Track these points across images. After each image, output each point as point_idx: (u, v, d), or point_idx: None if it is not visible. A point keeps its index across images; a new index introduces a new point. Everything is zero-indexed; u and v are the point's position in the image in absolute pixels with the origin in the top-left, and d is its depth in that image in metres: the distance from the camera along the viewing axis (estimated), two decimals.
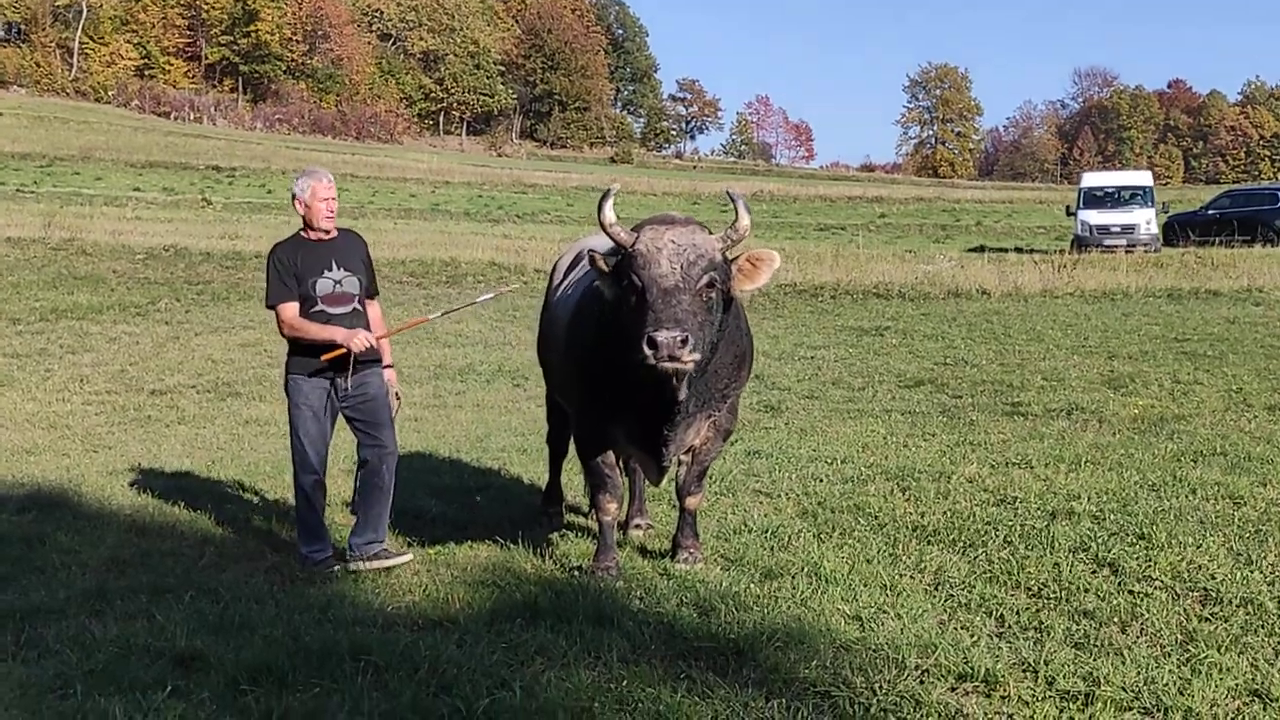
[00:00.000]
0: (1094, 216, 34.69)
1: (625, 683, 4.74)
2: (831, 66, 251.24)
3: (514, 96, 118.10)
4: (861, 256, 29.17)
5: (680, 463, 6.63)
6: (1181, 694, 4.59)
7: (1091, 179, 38.47)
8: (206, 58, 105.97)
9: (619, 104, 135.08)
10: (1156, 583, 6.00)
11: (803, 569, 6.29)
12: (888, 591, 5.94)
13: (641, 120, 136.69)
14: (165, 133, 73.40)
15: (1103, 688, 4.64)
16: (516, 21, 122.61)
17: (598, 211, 5.93)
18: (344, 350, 6.67)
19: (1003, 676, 4.77)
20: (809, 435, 10.70)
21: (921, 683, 4.75)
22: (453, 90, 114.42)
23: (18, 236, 27.76)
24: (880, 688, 4.68)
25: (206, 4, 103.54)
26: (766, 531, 7.18)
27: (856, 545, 6.84)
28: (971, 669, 4.84)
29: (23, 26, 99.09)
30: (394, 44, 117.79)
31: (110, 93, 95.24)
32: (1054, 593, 5.91)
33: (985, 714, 4.52)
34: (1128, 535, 6.84)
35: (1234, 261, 26.13)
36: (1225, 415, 10.87)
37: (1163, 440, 9.71)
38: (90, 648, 5.26)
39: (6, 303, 21.04)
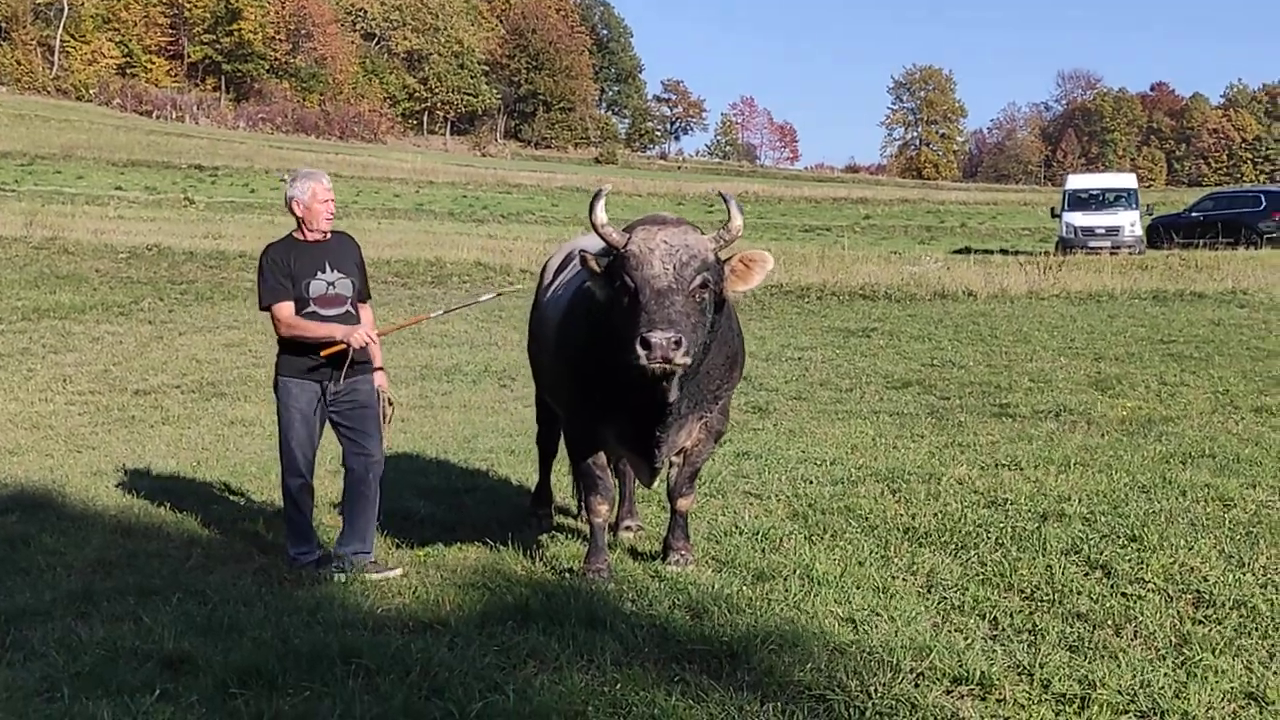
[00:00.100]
0: (1079, 218, 34.83)
1: (619, 686, 4.71)
2: (816, 68, 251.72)
3: (498, 96, 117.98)
4: (847, 258, 29.18)
5: (672, 464, 6.60)
6: (1177, 697, 4.58)
7: (1076, 181, 38.63)
8: (189, 56, 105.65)
9: (604, 104, 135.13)
10: (1149, 585, 5.99)
11: (795, 571, 6.27)
12: (880, 594, 5.92)
13: (626, 121, 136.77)
14: (147, 131, 73.13)
15: (1098, 691, 4.63)
16: (501, 21, 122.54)
17: (589, 212, 5.90)
18: (343, 346, 6.62)
19: (998, 679, 4.76)
20: (798, 436, 10.68)
21: (917, 686, 4.73)
22: (437, 90, 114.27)
23: None
24: (875, 691, 4.66)
25: (189, 2, 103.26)
26: (757, 533, 7.16)
27: (848, 547, 6.82)
28: (967, 672, 4.82)
29: (3, 24, 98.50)
30: (378, 43, 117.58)
31: (92, 91, 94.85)
32: (1047, 595, 5.90)
33: (981, 718, 4.50)
34: (1119, 537, 6.84)
35: (1218, 264, 26.20)
36: (1212, 417, 10.89)
37: (1151, 442, 9.72)
38: (77, 650, 5.20)
39: None
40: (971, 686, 4.74)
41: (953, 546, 6.79)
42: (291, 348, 6.70)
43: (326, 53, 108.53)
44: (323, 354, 6.62)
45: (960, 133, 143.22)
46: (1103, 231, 34.10)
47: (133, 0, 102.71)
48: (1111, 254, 31.21)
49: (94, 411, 13.53)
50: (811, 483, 8.60)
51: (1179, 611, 5.61)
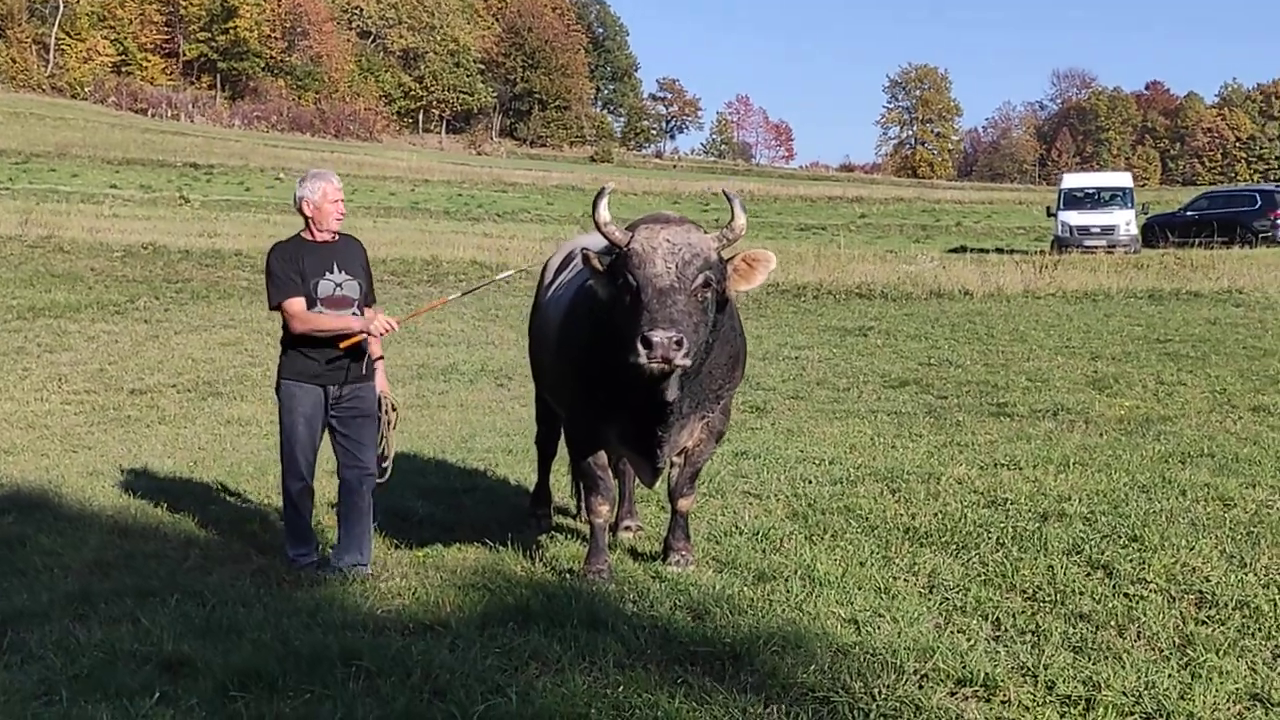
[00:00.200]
0: (1074, 217, 34.84)
1: (621, 688, 4.68)
2: (811, 66, 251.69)
3: (494, 95, 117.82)
4: (843, 256, 29.17)
5: (673, 464, 6.58)
6: (1183, 699, 4.56)
7: (1072, 180, 38.63)
8: (184, 54, 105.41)
9: (599, 103, 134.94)
10: (1151, 585, 5.97)
11: (796, 572, 6.25)
12: (882, 595, 5.90)
13: (621, 119, 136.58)
14: (142, 130, 72.93)
15: (1103, 693, 4.60)
16: (496, 20, 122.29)
17: (593, 210, 5.87)
18: (362, 337, 6.58)
19: (1002, 681, 4.74)
20: (796, 436, 10.66)
21: (921, 688, 4.70)
22: (432, 88, 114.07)
23: None
24: (879, 693, 4.63)
25: (184, 0, 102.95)
26: (757, 534, 7.14)
27: (849, 548, 6.79)
28: (970, 674, 4.80)
29: None
30: (373, 41, 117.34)
31: (87, 89, 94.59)
32: (1049, 596, 5.88)
33: None
34: (1120, 537, 6.82)
35: (1213, 263, 26.21)
36: (1210, 416, 10.88)
37: (1150, 441, 9.71)
38: (75, 652, 5.16)
39: None
40: (976, 688, 4.72)
41: (954, 547, 6.77)
42: (295, 349, 6.61)
43: (322, 51, 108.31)
44: (341, 345, 6.54)
45: (955, 131, 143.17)
46: (1098, 230, 34.11)
47: None
48: (1107, 253, 31.24)
49: (90, 411, 13.51)
50: (811, 482, 8.58)
51: (1182, 612, 5.59)
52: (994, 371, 14.18)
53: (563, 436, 7.36)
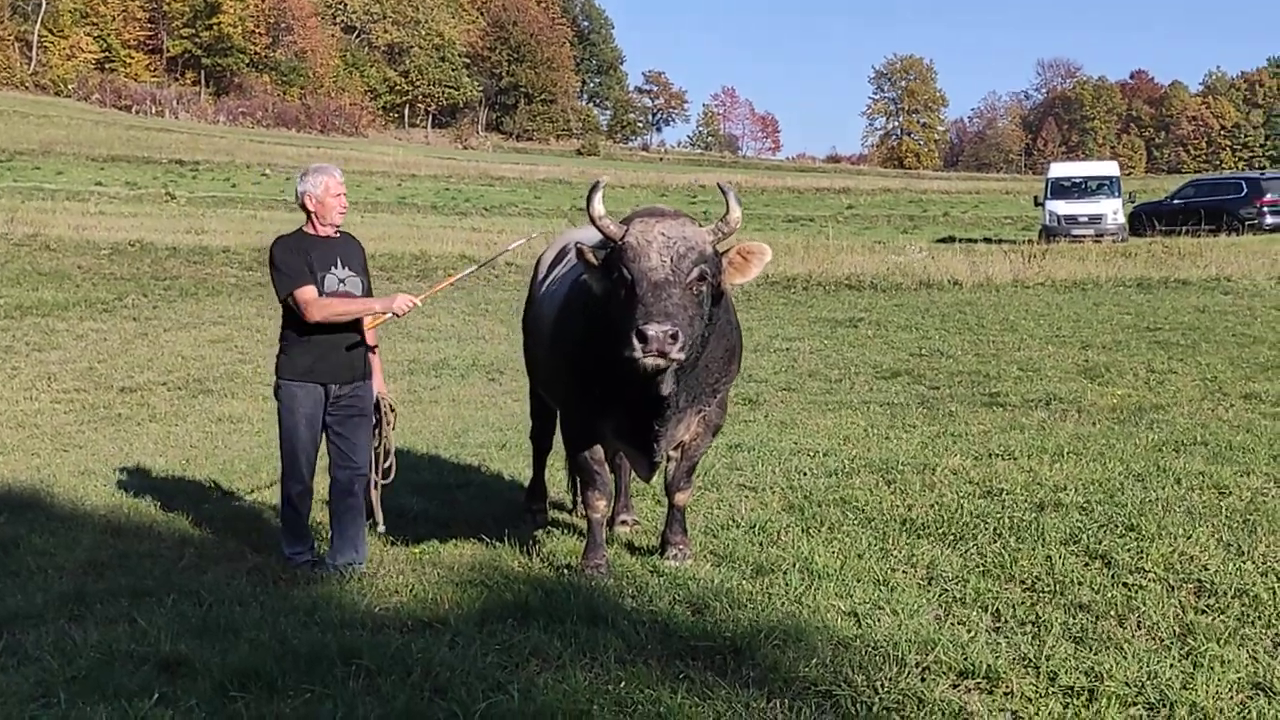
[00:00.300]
0: (1061, 206, 34.90)
1: (623, 684, 4.66)
2: (797, 58, 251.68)
3: (479, 89, 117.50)
4: (831, 248, 29.14)
5: (669, 458, 6.55)
6: (1185, 688, 4.56)
7: (1059, 169, 38.68)
8: (168, 51, 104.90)
9: (585, 96, 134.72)
10: (1150, 575, 5.97)
11: (794, 565, 6.24)
12: (881, 587, 5.89)
13: (608, 112, 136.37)
14: (127, 126, 72.56)
15: (1105, 683, 4.60)
16: (481, 14, 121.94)
17: (587, 204, 5.84)
18: (386, 317, 6.56)
19: (1004, 673, 4.73)
20: (790, 428, 10.66)
21: (923, 680, 4.69)
22: (418, 83, 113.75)
23: None
24: (882, 686, 4.62)
25: None
26: (754, 526, 7.13)
27: (846, 540, 6.79)
28: (972, 665, 4.79)
29: None
30: (358, 36, 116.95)
31: (70, 86, 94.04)
32: (1048, 586, 5.88)
33: (989, 712, 4.47)
34: (1117, 527, 6.82)
35: (1201, 251, 26.26)
36: (1202, 404, 10.90)
37: (1143, 430, 9.72)
38: (72, 654, 5.12)
39: None
40: (978, 680, 4.71)
41: (951, 538, 6.77)
42: (297, 347, 6.55)
43: (307, 46, 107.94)
44: (367, 326, 6.54)
45: (941, 122, 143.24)
46: (1086, 219, 34.19)
47: None
48: (1095, 242, 31.28)
49: (80, 409, 13.45)
50: (806, 474, 8.58)
51: (1181, 601, 5.60)
52: (985, 361, 14.19)
53: (558, 432, 7.33)
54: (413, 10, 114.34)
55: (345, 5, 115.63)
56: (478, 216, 44.21)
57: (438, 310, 19.64)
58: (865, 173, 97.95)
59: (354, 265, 6.66)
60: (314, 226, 6.65)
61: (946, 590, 5.87)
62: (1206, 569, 6.01)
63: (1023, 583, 5.97)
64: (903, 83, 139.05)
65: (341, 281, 6.56)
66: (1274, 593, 5.62)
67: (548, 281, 7.02)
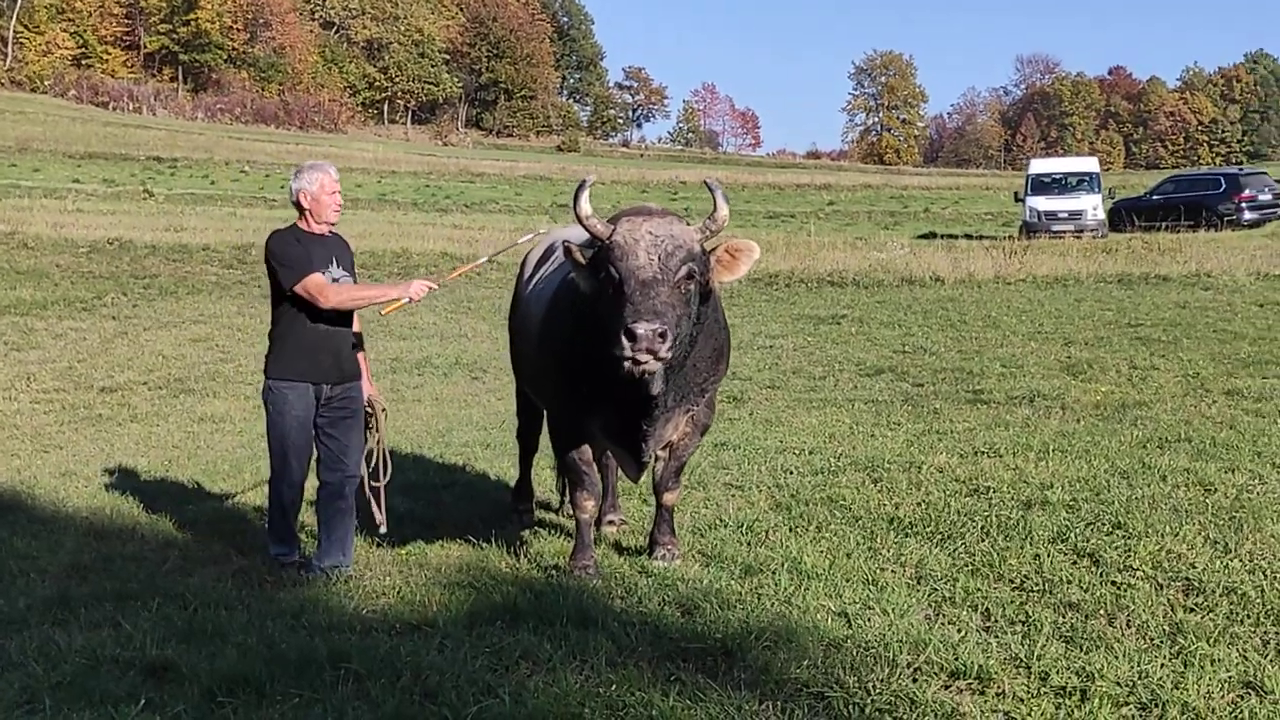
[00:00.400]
0: (1041, 203, 35.02)
1: (614, 686, 4.63)
2: (777, 54, 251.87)
3: (459, 85, 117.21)
4: (813, 244, 29.18)
5: (657, 458, 6.53)
6: (1176, 688, 4.55)
7: (1039, 165, 38.82)
8: (145, 46, 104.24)
9: (565, 92, 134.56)
10: (1138, 573, 5.97)
11: (783, 564, 6.22)
12: (871, 586, 5.87)
13: (588, 108, 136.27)
14: (104, 123, 72.12)
15: (1097, 683, 4.59)
16: (461, 9, 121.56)
17: (574, 203, 5.80)
18: (403, 302, 6.54)
19: (996, 673, 4.71)
20: (775, 426, 10.65)
21: (915, 681, 4.67)
22: (397, 79, 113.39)
23: None
24: (874, 687, 4.60)
25: None
26: (742, 526, 7.11)
27: (834, 539, 6.77)
28: (964, 666, 4.77)
29: None
30: (337, 32, 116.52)
31: (47, 83, 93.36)
32: (1037, 585, 5.87)
33: (982, 713, 4.46)
34: (1104, 524, 6.82)
35: (1180, 246, 26.37)
36: (1185, 400, 10.93)
37: (1127, 427, 9.74)
38: (56, 659, 5.07)
39: None
40: (969, 681, 4.69)
41: (939, 536, 6.76)
42: (286, 349, 6.46)
43: (285, 42, 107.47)
44: (383, 311, 6.61)
45: (921, 118, 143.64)
46: (1066, 215, 34.31)
47: None
48: (1075, 238, 31.39)
49: (60, 410, 13.36)
50: (792, 473, 8.57)
51: (1170, 600, 5.60)
52: (968, 358, 14.21)
53: (545, 431, 7.30)
54: (391, 6, 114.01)
55: (324, 1, 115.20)
56: (458, 213, 44.10)
57: (420, 308, 19.52)
58: (846, 169, 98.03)
59: (345, 265, 6.61)
60: (308, 224, 6.56)
61: (936, 589, 5.85)
62: (1194, 567, 6.02)
63: (1012, 582, 5.96)
64: (882, 78, 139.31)
65: (335, 280, 6.49)
66: (1262, 591, 5.62)
67: (534, 280, 6.98)
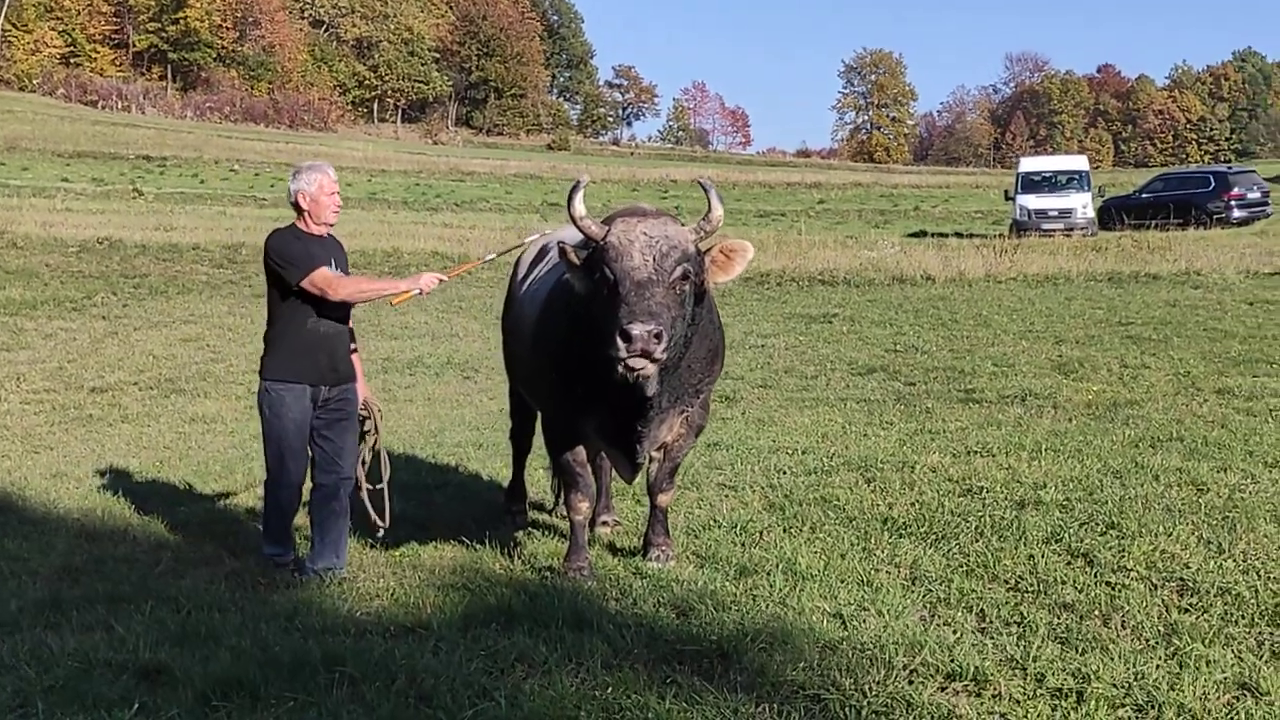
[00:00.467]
0: (1031, 201, 35.11)
1: (610, 690, 4.61)
2: (767, 52, 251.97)
3: (449, 84, 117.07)
4: (804, 243, 29.17)
5: (652, 459, 6.52)
6: (1172, 689, 4.55)
7: (1029, 164, 38.90)
8: (134, 45, 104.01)
9: (555, 91, 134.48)
10: (1132, 573, 5.97)
11: (777, 565, 6.20)
12: (866, 588, 5.86)
13: (578, 107, 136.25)
14: (93, 122, 71.98)
15: (1093, 684, 4.58)
16: (450, 8, 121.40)
17: (568, 204, 5.79)
18: (413, 293, 6.52)
19: (992, 675, 4.70)
20: (767, 425, 10.64)
21: (911, 683, 4.66)
22: (387, 78, 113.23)
23: None
24: (870, 689, 4.59)
25: None
26: (736, 527, 7.10)
27: (828, 540, 6.76)
28: (959, 668, 4.76)
29: None
30: (326, 31, 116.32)
31: (35, 81, 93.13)
32: (1031, 586, 5.87)
33: (978, 714, 4.44)
34: (1097, 524, 6.82)
35: (1170, 245, 26.43)
36: (1176, 399, 10.93)
37: (1119, 426, 9.74)
38: (48, 662, 5.03)
39: None
40: (965, 682, 4.68)
41: (933, 537, 6.75)
42: (282, 350, 6.43)
43: (274, 40, 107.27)
44: (393, 302, 6.58)
45: (910, 116, 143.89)
46: (1056, 214, 34.39)
47: None
48: (1065, 236, 31.46)
49: (50, 410, 13.31)
50: (785, 473, 8.56)
51: (1164, 600, 5.59)
52: (960, 357, 14.21)
53: (538, 432, 7.28)
54: (381, 4, 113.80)
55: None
56: (449, 212, 44.06)
57: (411, 307, 19.52)
58: (835, 167, 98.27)
59: (341, 266, 6.58)
60: (306, 225, 6.52)
61: (931, 590, 5.85)
62: (1188, 567, 6.01)
63: (1006, 582, 5.95)
64: (872, 77, 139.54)
65: None
66: (1256, 591, 5.62)
67: (528, 281, 6.96)
